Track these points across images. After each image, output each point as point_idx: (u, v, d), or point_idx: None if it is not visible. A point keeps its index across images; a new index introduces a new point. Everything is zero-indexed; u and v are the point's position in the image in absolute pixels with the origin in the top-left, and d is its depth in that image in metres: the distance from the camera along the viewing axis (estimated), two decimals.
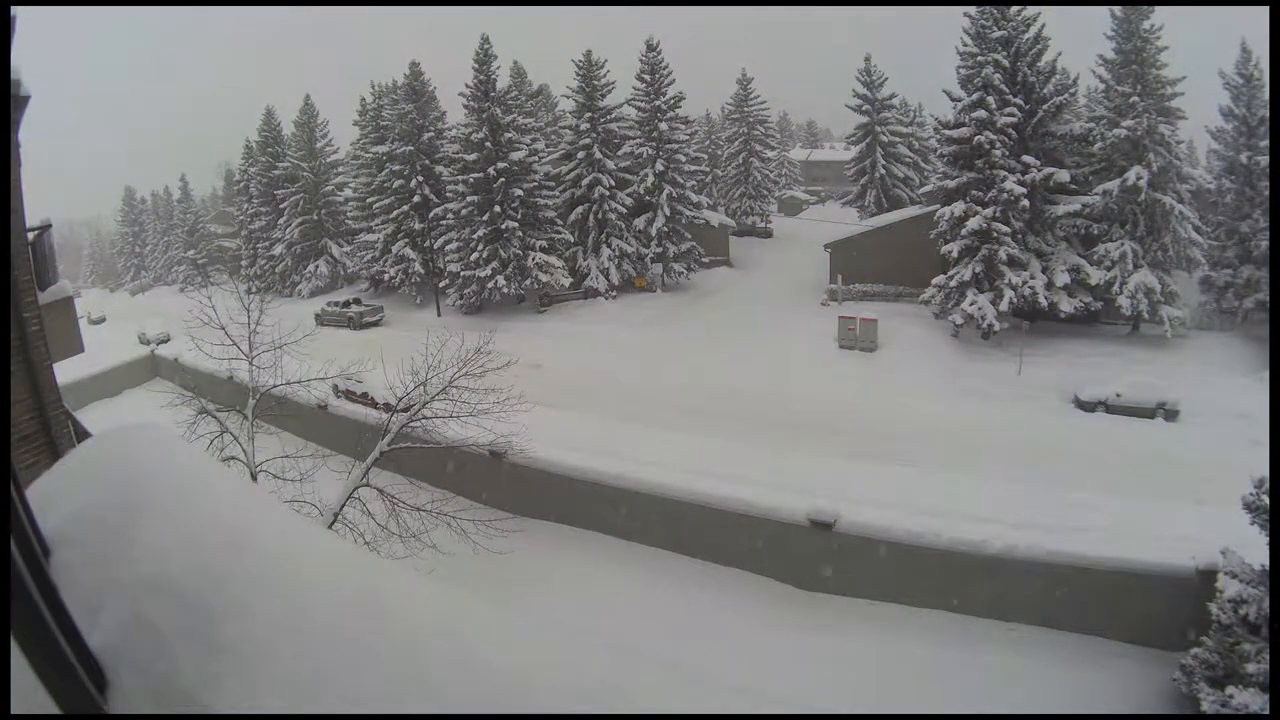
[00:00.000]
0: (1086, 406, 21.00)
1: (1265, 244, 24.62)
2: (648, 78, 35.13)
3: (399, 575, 0.69)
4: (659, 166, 34.41)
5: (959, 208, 25.84)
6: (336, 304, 36.19)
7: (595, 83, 35.14)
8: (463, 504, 14.91)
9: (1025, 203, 25.01)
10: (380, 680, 0.55)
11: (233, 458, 13.32)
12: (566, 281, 33.76)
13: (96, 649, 0.58)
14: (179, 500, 0.69)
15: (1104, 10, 26.28)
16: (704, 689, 0.61)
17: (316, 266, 44.52)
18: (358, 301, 36.61)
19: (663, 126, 34.56)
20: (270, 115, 47.49)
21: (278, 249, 45.63)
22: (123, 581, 0.62)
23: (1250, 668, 9.24)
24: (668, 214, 34.54)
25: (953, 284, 25.87)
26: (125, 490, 0.69)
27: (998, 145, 25.32)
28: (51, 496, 0.68)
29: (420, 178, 37.41)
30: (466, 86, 33.63)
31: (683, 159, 35.36)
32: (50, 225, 6.87)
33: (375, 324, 34.85)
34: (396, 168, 37.67)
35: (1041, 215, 26.17)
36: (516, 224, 32.74)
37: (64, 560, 0.62)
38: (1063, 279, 25.28)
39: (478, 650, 0.60)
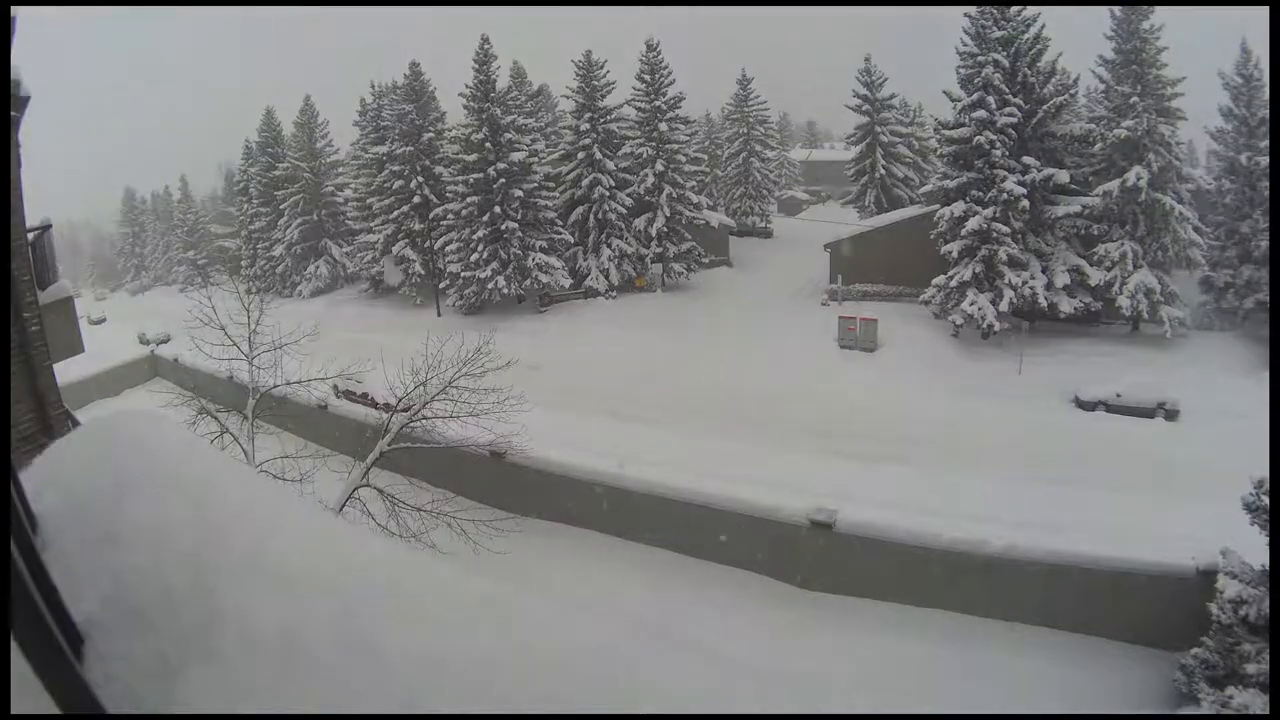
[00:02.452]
0: (1086, 406, 21.00)
1: (1265, 244, 24.61)
2: (647, 78, 35.13)
3: (397, 550, 0.70)
4: (659, 167, 34.40)
5: (959, 208, 25.84)
6: None
7: (595, 83, 35.14)
8: (463, 504, 14.91)
9: (1025, 203, 25.01)
10: (376, 659, 0.56)
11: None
12: (566, 282, 33.76)
13: (80, 618, 0.59)
14: (169, 479, 0.70)
15: (1104, 10, 26.30)
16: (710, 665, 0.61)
17: (317, 267, 44.52)
18: None
19: (663, 127, 34.55)
20: (270, 115, 47.48)
21: (278, 249, 45.61)
22: (109, 554, 0.63)
23: (1250, 668, 9.24)
24: (668, 214, 34.53)
25: (953, 284, 25.87)
26: (116, 469, 0.69)
27: (998, 145, 25.33)
28: (43, 477, 0.69)
29: (420, 178, 37.40)
30: (466, 87, 33.63)
31: (683, 159, 35.35)
32: (50, 225, 6.87)
33: None
34: (396, 168, 37.67)
35: (1041, 215, 26.17)
36: (516, 224, 32.74)
37: (52, 534, 0.64)
38: (1063, 279, 25.28)
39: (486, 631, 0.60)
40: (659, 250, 34.90)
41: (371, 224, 39.15)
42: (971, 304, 25.28)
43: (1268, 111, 25.20)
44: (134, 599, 0.60)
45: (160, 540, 0.64)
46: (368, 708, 0.53)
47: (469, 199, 33.13)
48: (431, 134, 37.84)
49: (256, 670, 0.55)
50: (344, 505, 12.93)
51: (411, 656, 0.56)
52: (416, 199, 37.40)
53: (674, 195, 34.73)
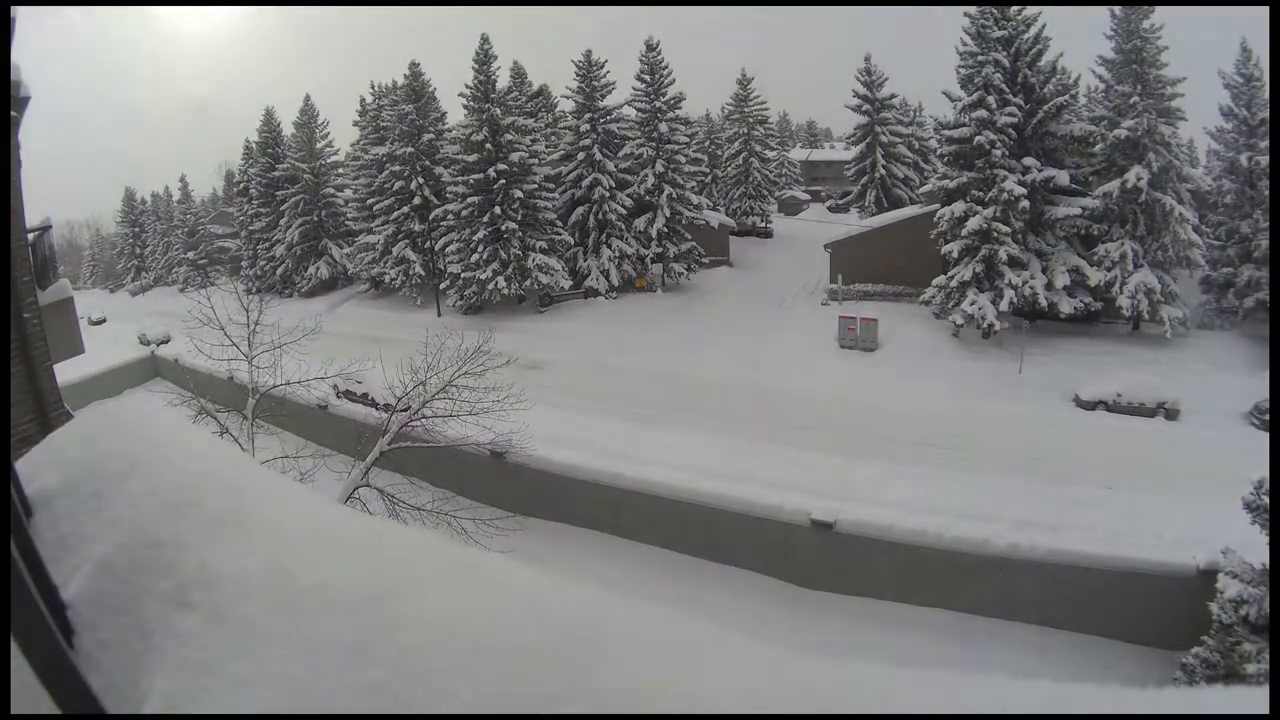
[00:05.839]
0: (1087, 406, 20.99)
1: (1265, 244, 24.59)
2: (647, 78, 35.11)
3: (381, 528, 0.71)
4: (659, 167, 34.38)
5: (959, 208, 25.83)
6: None
7: (595, 83, 35.15)
8: (463, 503, 14.91)
9: (1025, 203, 24.99)
10: (363, 634, 0.56)
11: None
12: (567, 282, 33.76)
13: (70, 599, 0.60)
14: (165, 456, 0.72)
15: (1104, 10, 26.28)
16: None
17: (317, 268, 44.52)
18: None
19: (663, 127, 34.53)
20: (270, 116, 47.41)
21: (278, 250, 45.60)
22: (98, 538, 0.64)
23: (1251, 668, 9.24)
24: (668, 214, 34.53)
25: (953, 284, 25.87)
26: (113, 450, 0.71)
27: (998, 145, 25.31)
28: (43, 459, 0.71)
29: (420, 179, 37.39)
30: (466, 87, 33.63)
31: (683, 160, 35.34)
32: (50, 225, 6.88)
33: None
34: (396, 169, 37.66)
35: (1041, 215, 26.16)
36: (516, 225, 32.75)
37: (45, 519, 0.66)
38: (1063, 279, 25.27)
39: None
40: (659, 250, 34.89)
41: (372, 225, 39.16)
42: (972, 304, 25.27)
43: (1268, 111, 25.17)
44: (113, 579, 0.62)
45: (156, 508, 0.66)
46: (357, 646, 0.54)
47: (469, 199, 33.13)
48: (431, 134, 37.82)
49: (252, 612, 0.57)
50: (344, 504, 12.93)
51: (401, 605, 0.57)
52: (416, 200, 37.39)
53: (674, 195, 34.72)
